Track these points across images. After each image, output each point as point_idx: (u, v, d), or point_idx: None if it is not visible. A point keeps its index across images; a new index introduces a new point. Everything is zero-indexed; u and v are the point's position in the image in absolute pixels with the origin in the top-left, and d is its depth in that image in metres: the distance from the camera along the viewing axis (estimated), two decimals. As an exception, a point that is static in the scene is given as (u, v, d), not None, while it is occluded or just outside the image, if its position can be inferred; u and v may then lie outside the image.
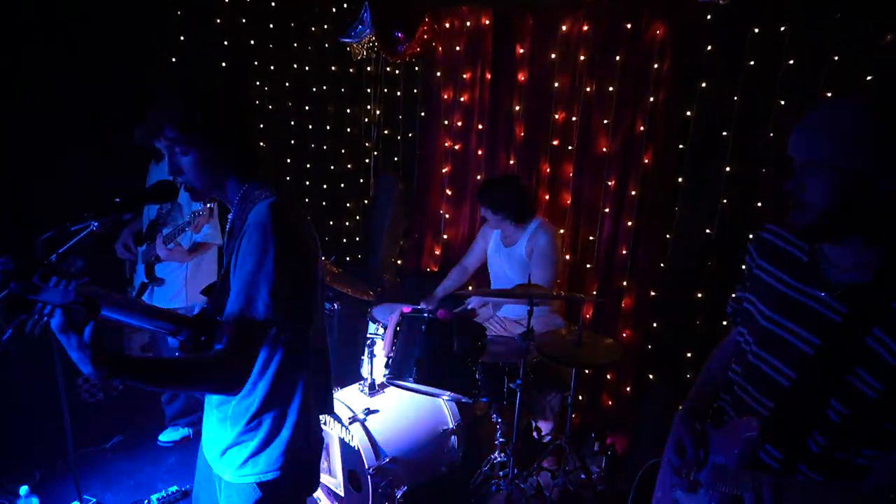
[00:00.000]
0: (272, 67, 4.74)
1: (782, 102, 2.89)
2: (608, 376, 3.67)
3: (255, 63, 4.77)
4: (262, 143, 4.92)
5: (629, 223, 3.47)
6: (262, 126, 4.88)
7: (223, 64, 4.70)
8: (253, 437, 1.53)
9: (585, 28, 3.48)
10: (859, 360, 1.17)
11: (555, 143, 3.70)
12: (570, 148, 3.66)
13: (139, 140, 2.32)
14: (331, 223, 4.87)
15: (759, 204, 3.02)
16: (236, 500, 1.57)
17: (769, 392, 1.32)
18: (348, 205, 4.81)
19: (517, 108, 3.83)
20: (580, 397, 3.64)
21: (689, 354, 3.33)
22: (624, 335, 3.56)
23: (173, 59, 4.41)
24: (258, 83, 4.80)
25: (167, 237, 3.01)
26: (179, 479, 3.15)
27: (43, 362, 2.87)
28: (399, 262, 4.53)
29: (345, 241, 4.83)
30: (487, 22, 3.91)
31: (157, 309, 1.42)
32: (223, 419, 1.56)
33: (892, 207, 1.14)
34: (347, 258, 4.78)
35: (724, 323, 3.17)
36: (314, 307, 1.56)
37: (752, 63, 2.95)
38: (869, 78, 2.66)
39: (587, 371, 3.66)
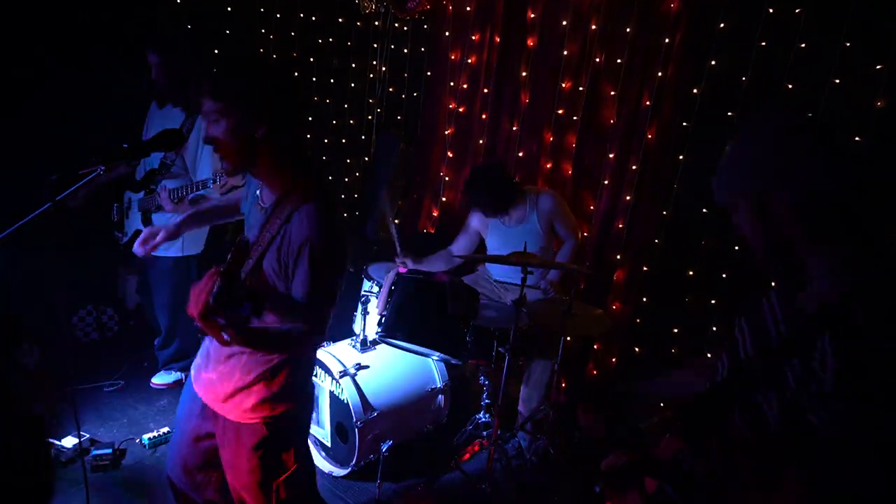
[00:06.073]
0: (278, 15, 4.65)
1: (790, 87, 2.87)
2: (595, 346, 3.75)
3: (262, 10, 4.67)
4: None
5: (628, 197, 3.48)
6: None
7: (228, 8, 4.61)
8: (273, 376, 1.76)
9: (599, -4, 3.43)
10: (773, 385, 1.12)
11: (560, 112, 3.68)
12: (574, 118, 3.63)
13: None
14: (330, 178, 4.86)
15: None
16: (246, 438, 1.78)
17: (711, 378, 1.35)
18: (348, 161, 4.79)
19: (524, 73, 3.79)
20: (566, 365, 3.72)
21: (675, 330, 3.39)
22: (613, 307, 3.61)
23: (178, 1, 4.33)
24: (263, 31, 4.71)
25: (175, 192, 2.97)
26: (171, 421, 3.23)
27: (43, 300, 2.91)
28: (396, 221, 4.54)
29: (343, 196, 4.83)
30: (500, -17, 3.83)
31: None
32: (241, 365, 1.75)
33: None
34: (345, 214, 4.79)
35: (714, 301, 3.23)
36: None
37: (763, 44, 2.92)
38: (879, 67, 2.65)
39: (569, 340, 3.73)
